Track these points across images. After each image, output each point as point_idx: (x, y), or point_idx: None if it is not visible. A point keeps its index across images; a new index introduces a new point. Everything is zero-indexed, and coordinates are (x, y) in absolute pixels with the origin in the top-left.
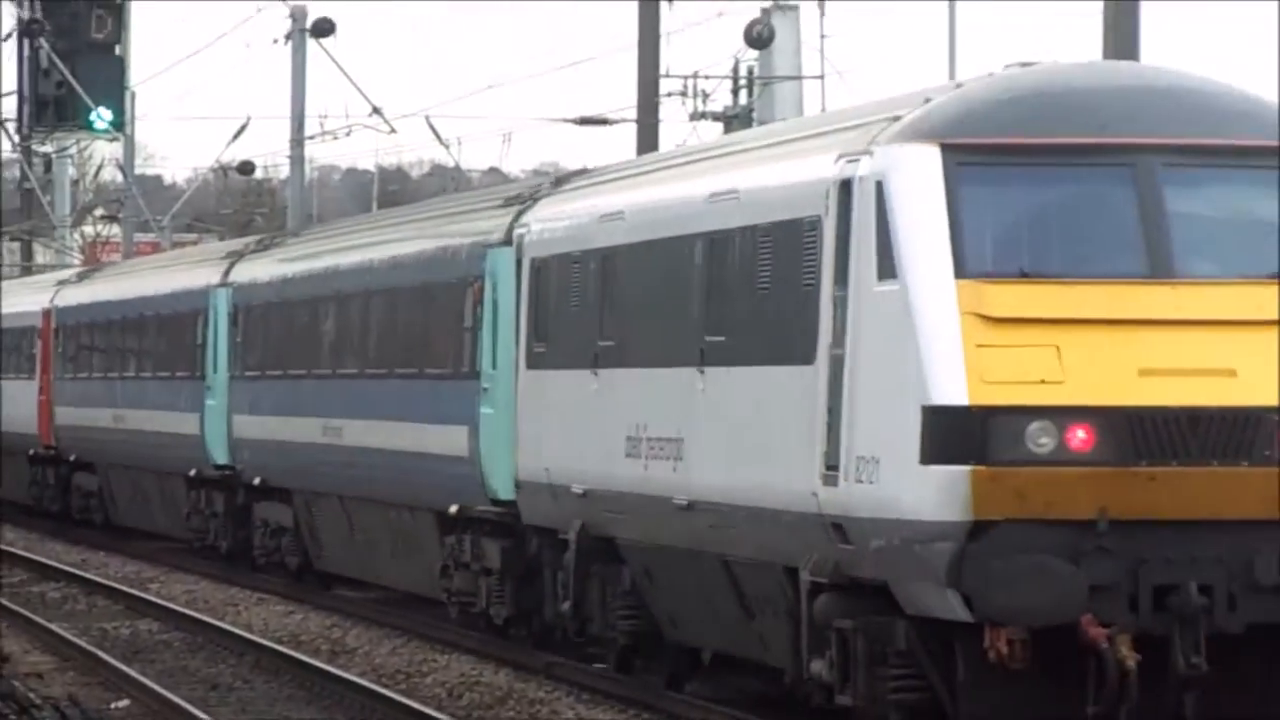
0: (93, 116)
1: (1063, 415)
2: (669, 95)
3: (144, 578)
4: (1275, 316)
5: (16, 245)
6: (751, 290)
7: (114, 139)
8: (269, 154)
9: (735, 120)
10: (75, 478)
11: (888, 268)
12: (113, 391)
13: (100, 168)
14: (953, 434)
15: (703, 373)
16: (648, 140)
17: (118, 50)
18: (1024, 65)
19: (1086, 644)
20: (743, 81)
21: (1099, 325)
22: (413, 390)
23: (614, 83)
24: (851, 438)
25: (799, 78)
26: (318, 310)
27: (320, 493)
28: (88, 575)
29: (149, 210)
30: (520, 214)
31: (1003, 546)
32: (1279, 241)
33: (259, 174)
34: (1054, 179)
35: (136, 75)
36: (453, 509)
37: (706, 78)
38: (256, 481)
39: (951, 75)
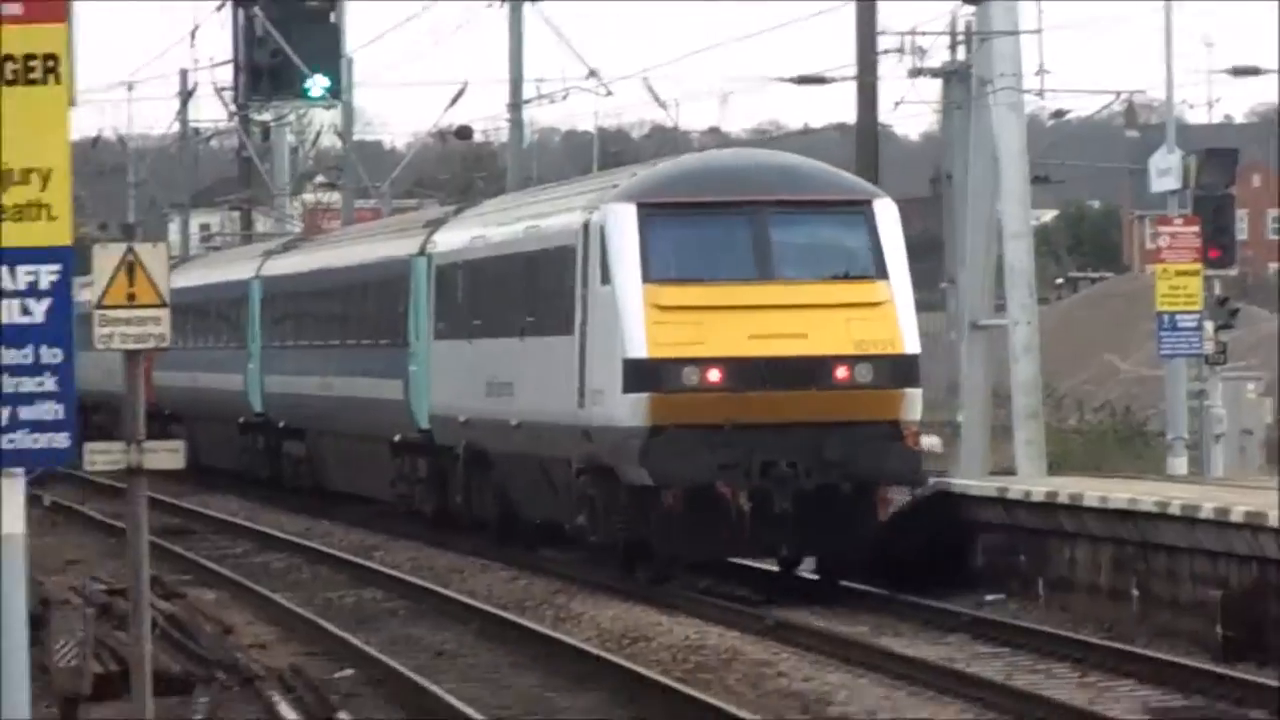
0: (308, 84)
1: (703, 363)
2: (886, 52)
3: (368, 546)
4: (834, 301)
5: (236, 214)
6: (545, 288)
7: (330, 107)
8: (488, 118)
9: (954, 76)
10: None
11: (606, 277)
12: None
13: (319, 134)
14: (640, 375)
15: (523, 340)
16: (867, 98)
17: (332, 17)
18: (697, 153)
19: (720, 497)
20: (960, 37)
21: (725, 309)
22: (372, 355)
23: (833, 40)
24: (590, 378)
25: (1015, 33)
26: (317, 296)
27: (323, 431)
28: (311, 544)
29: (369, 177)
30: (431, 234)
31: (669, 440)
32: (840, 256)
33: (478, 138)
34: (704, 223)
35: (353, 41)
36: (396, 437)
37: (924, 34)
38: (282, 424)
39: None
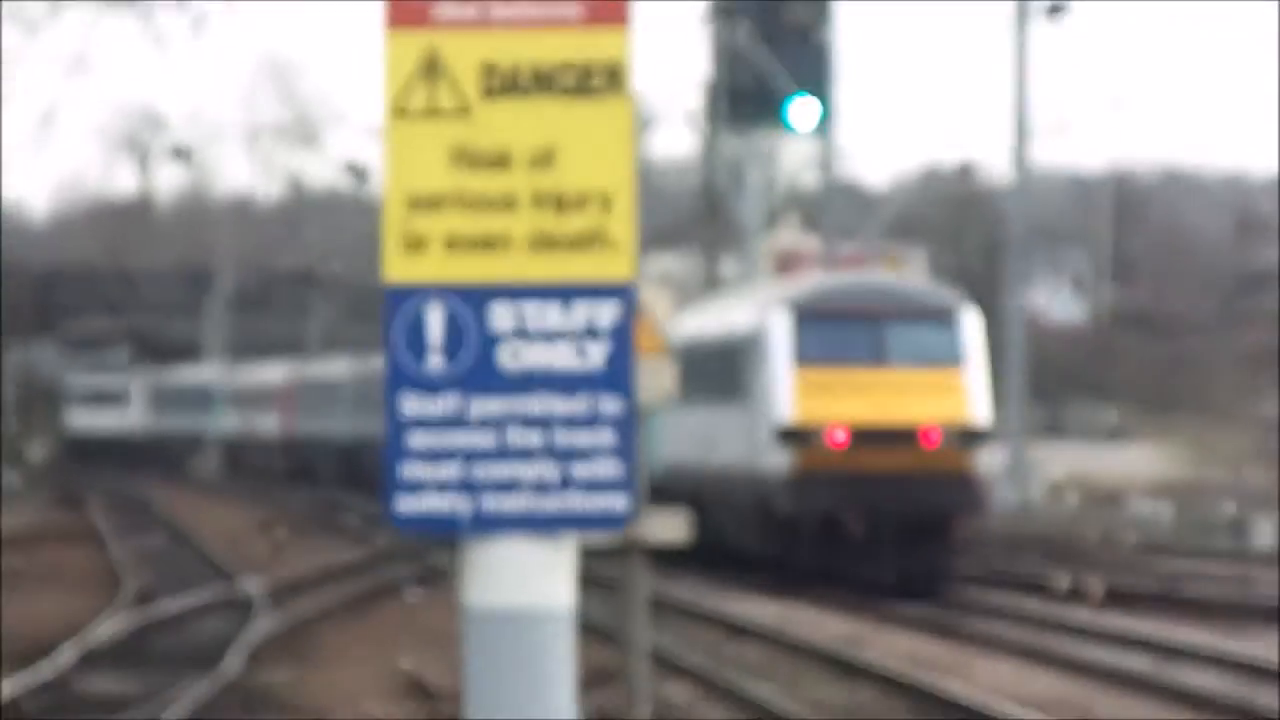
0: (788, 112)
1: (832, 426)
2: None
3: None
4: (925, 383)
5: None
6: (733, 367)
7: (819, 136)
8: (985, 158)
9: None
10: None
11: (770, 361)
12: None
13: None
14: (788, 434)
15: (722, 406)
16: None
17: (818, 40)
18: (834, 275)
19: (841, 524)
20: None
21: (850, 387)
22: None
23: None
24: (756, 435)
25: None
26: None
27: None
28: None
29: (847, 217)
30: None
31: (806, 482)
32: (932, 350)
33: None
34: (837, 325)
35: (840, 70)
36: None
37: None
38: None
39: None
